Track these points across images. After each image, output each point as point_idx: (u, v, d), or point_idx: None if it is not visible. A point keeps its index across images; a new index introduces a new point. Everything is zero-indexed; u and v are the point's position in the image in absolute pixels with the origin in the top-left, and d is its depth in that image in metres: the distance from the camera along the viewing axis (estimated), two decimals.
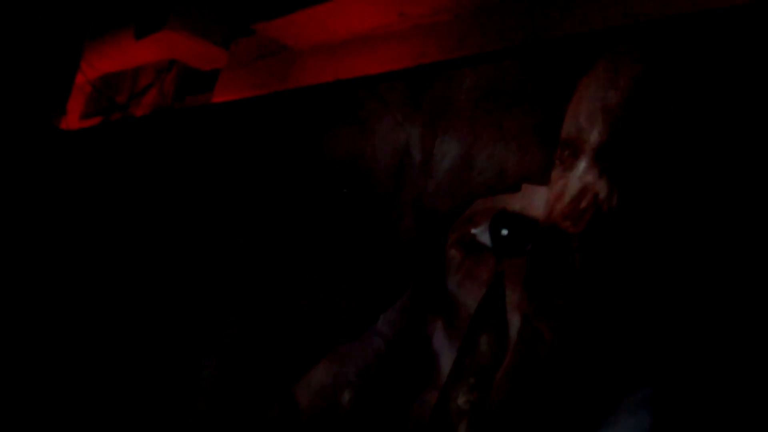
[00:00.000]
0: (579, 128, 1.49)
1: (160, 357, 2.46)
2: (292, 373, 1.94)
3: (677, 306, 1.29)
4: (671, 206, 1.35)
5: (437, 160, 1.83)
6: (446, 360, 1.62)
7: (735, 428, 1.18)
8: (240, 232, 2.36)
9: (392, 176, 1.93)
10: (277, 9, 2.39)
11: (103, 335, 2.73)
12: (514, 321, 1.51)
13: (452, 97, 1.85)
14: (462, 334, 1.61)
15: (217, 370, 2.23)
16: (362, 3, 2.14)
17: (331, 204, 2.08)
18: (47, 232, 3.18)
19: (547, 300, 1.46)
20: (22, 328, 2.99)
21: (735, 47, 1.35)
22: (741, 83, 1.32)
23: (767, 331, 1.18)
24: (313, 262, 2.06)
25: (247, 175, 2.43)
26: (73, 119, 3.77)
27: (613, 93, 1.46)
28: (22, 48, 3.17)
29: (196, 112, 2.99)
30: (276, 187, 2.30)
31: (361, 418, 1.76)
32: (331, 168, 2.13)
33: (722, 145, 1.31)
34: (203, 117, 2.85)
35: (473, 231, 1.65)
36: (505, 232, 1.58)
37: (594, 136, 1.46)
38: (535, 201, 1.54)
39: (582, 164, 1.46)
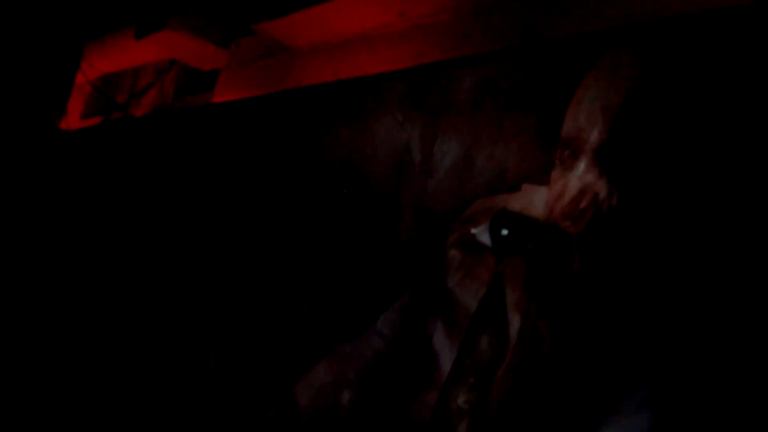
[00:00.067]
0: (579, 128, 1.49)
1: (160, 357, 2.46)
2: (292, 373, 1.94)
3: (677, 306, 1.29)
4: (671, 206, 1.35)
5: (437, 160, 1.83)
6: (446, 360, 1.62)
7: (735, 428, 1.18)
8: (240, 232, 2.36)
9: (392, 176, 1.93)
10: (277, 9, 2.39)
11: (104, 335, 2.73)
12: (514, 321, 1.51)
13: (452, 97, 1.85)
14: (462, 334, 1.61)
15: (217, 370, 2.23)
16: (362, 3, 2.13)
17: (331, 204, 2.08)
18: (48, 232, 3.18)
19: (547, 300, 1.46)
20: (22, 328, 2.99)
21: (735, 47, 1.35)
22: (741, 83, 1.32)
23: (767, 331, 1.18)
24: (313, 262, 2.06)
25: (248, 176, 2.43)
26: (73, 119, 3.77)
27: (614, 93, 1.46)
28: (22, 48, 3.17)
29: (197, 112, 2.99)
30: (276, 187, 2.30)
31: (361, 418, 1.76)
32: (331, 168, 2.13)
33: (722, 145, 1.31)
34: (203, 117, 2.85)
35: (473, 231, 1.65)
36: (505, 232, 1.58)
37: (594, 136, 1.46)
38: (535, 201, 1.54)
39: (582, 164, 1.46)
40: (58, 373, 2.84)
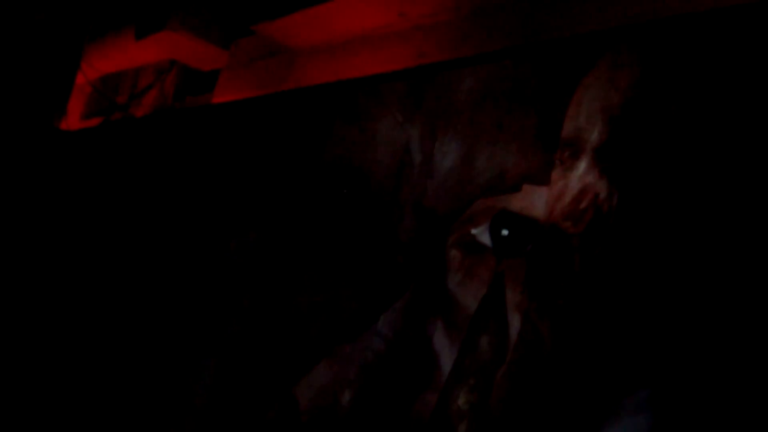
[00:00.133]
0: (579, 128, 1.49)
1: (161, 357, 2.46)
2: (292, 373, 1.94)
3: (677, 307, 1.29)
4: (671, 207, 1.34)
5: (437, 161, 1.83)
6: (446, 360, 1.62)
7: (735, 429, 1.18)
8: (240, 232, 2.36)
9: (392, 176, 1.93)
10: (277, 9, 2.39)
11: (104, 335, 2.73)
12: (515, 321, 1.51)
13: (452, 98, 1.85)
14: (462, 334, 1.61)
15: (217, 370, 2.23)
16: (362, 3, 2.13)
17: (331, 204, 2.08)
18: (48, 233, 3.18)
19: (548, 300, 1.46)
20: (23, 328, 2.99)
21: (736, 47, 1.35)
22: (742, 83, 1.32)
23: (767, 331, 1.18)
24: (313, 263, 2.06)
25: (248, 176, 2.43)
26: (73, 120, 3.77)
27: (614, 93, 1.46)
28: (22, 48, 3.17)
29: (197, 112, 2.99)
30: (276, 187, 2.30)
31: (361, 418, 1.76)
32: (331, 168, 2.13)
33: (723, 145, 1.31)
34: (203, 117, 2.85)
35: (473, 231, 1.65)
36: (505, 232, 1.58)
37: (594, 137, 1.46)
38: (536, 201, 1.54)
39: (582, 164, 1.46)
40: (58, 372, 2.83)
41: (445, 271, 1.70)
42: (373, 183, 1.98)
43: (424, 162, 1.86)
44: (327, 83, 2.34)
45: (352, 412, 1.78)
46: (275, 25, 2.44)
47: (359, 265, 1.93)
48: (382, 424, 1.72)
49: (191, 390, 2.28)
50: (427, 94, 1.92)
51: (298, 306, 2.05)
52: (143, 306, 2.63)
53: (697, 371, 1.23)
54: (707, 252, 1.28)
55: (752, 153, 1.27)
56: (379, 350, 1.78)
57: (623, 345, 1.33)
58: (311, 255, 2.08)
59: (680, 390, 1.24)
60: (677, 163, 1.35)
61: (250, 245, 2.30)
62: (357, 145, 2.07)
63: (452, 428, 1.55)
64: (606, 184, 1.42)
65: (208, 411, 2.19)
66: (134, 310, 2.65)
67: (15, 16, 3.15)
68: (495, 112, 1.72)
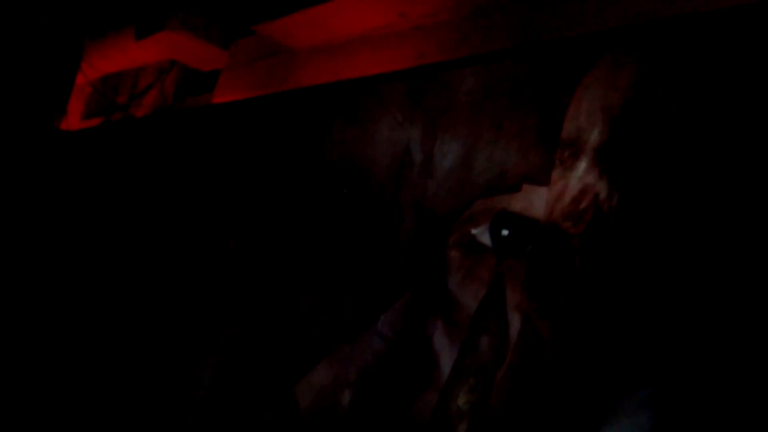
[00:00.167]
0: (579, 128, 1.49)
1: (161, 357, 2.46)
2: (292, 373, 1.94)
3: (677, 306, 1.29)
4: (672, 207, 1.34)
5: (437, 161, 1.83)
6: (446, 360, 1.62)
7: (735, 428, 1.18)
8: (240, 232, 2.36)
9: (392, 177, 1.93)
10: (277, 9, 2.39)
11: (104, 335, 2.73)
12: (515, 321, 1.51)
13: (452, 98, 1.85)
14: (462, 334, 1.61)
15: (217, 370, 2.23)
16: (362, 3, 2.13)
17: (331, 205, 2.08)
18: (48, 233, 3.18)
19: (548, 300, 1.46)
20: (23, 328, 2.99)
21: (736, 47, 1.35)
22: (742, 84, 1.32)
23: (767, 331, 1.18)
24: (314, 263, 2.06)
25: (248, 176, 2.43)
26: (73, 120, 3.77)
27: (614, 93, 1.46)
28: (22, 48, 3.17)
29: (197, 112, 2.99)
30: (276, 187, 2.30)
31: (361, 418, 1.76)
32: (331, 168, 2.13)
33: (723, 145, 1.31)
34: (203, 118, 2.85)
35: (473, 231, 1.65)
36: (505, 232, 1.58)
37: (594, 137, 1.46)
38: (536, 201, 1.54)
39: (582, 165, 1.46)
40: (58, 373, 2.84)
41: (445, 271, 1.70)
42: (373, 183, 1.98)
43: (424, 162, 1.86)
44: (327, 83, 2.34)
45: (352, 412, 1.78)
46: (275, 25, 2.43)
47: (359, 265, 1.93)
48: (382, 424, 1.72)
49: (191, 390, 2.28)
50: (427, 94, 1.92)
51: (298, 306, 2.05)
52: (144, 306, 2.63)
53: (697, 371, 1.23)
54: (707, 252, 1.28)
55: (752, 153, 1.27)
56: (379, 350, 1.78)
57: (623, 345, 1.33)
58: (311, 255, 2.08)
59: (680, 389, 1.24)
60: (677, 163, 1.35)
61: (250, 245, 2.30)
62: (357, 145, 2.07)
63: (452, 428, 1.55)
64: (606, 184, 1.42)
65: (208, 411, 2.19)
66: (135, 310, 2.65)
67: (15, 16, 3.15)
68: (495, 112, 1.72)
